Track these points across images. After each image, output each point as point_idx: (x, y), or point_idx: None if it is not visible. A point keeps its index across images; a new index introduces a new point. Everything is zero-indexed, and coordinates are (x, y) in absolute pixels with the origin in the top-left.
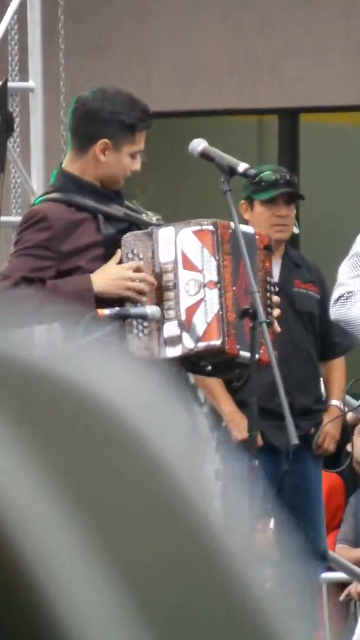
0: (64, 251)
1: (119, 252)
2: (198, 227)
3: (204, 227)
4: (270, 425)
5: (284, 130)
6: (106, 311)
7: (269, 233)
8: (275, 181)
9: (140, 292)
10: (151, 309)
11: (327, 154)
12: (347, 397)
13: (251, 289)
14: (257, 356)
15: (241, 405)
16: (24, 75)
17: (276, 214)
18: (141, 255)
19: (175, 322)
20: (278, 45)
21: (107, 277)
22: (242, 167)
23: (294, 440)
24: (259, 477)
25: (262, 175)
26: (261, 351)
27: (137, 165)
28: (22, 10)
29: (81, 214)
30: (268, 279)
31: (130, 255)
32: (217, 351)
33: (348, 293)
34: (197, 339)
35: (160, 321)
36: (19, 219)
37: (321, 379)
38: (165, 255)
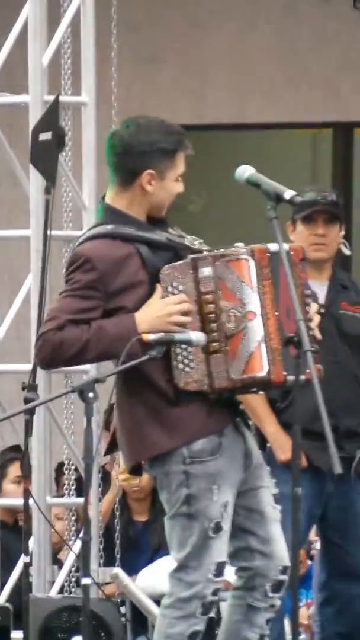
0: (110, 291)
1: (159, 288)
2: (233, 257)
3: (240, 257)
4: (314, 447)
5: (338, 144)
6: (151, 336)
7: (308, 253)
8: (315, 200)
9: (184, 325)
10: (196, 335)
11: None
12: None
13: (296, 317)
14: (302, 377)
15: (285, 426)
16: (77, 87)
17: (314, 233)
18: (181, 288)
19: (221, 354)
20: (333, 60)
21: (151, 315)
22: (288, 194)
23: (337, 469)
24: (304, 500)
25: (304, 195)
26: (307, 370)
27: (180, 187)
28: (75, 23)
29: (126, 248)
30: (305, 291)
31: (169, 289)
32: (262, 382)
33: None
34: (242, 371)
35: (205, 351)
36: (70, 233)
37: None
38: (205, 285)
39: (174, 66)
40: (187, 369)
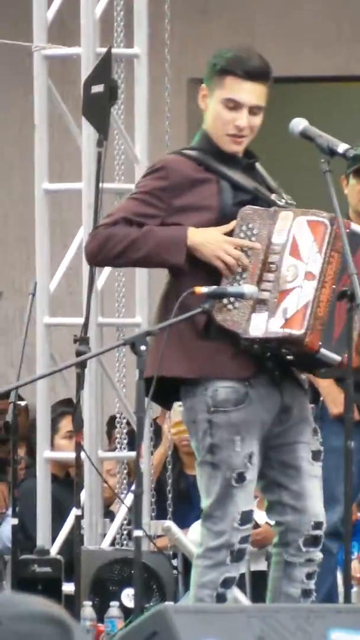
0: (174, 205)
1: (233, 223)
2: (314, 218)
3: (320, 218)
4: None
5: None
6: (204, 289)
7: (359, 206)
8: None
9: (231, 268)
10: (249, 288)
11: None
12: None
13: (349, 271)
14: (340, 358)
15: (338, 380)
16: (129, 41)
17: None
18: (255, 231)
19: (268, 305)
20: None
21: (205, 238)
22: (342, 147)
23: None
24: (356, 453)
25: (357, 148)
26: (346, 355)
27: (231, 116)
28: None
29: (207, 174)
30: None
31: (244, 228)
32: (297, 341)
33: None
34: (281, 325)
35: (256, 299)
36: (122, 186)
37: None
38: (278, 237)
39: (227, 18)
40: (229, 306)
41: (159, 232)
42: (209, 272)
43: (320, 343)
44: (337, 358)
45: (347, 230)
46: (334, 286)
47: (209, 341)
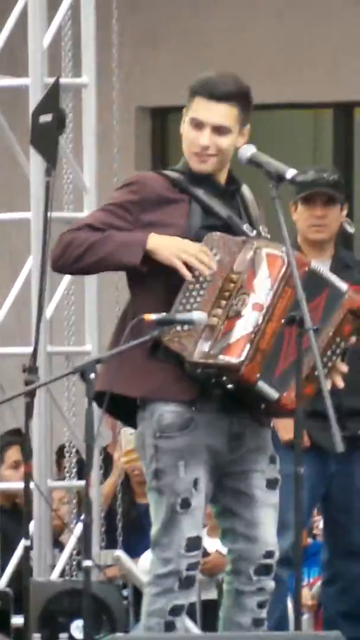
0: (142, 220)
1: (198, 245)
2: (273, 251)
3: (279, 252)
4: (317, 427)
5: (339, 125)
6: (153, 316)
7: (307, 234)
8: (314, 181)
9: (189, 268)
10: (198, 315)
11: None
12: None
13: (298, 297)
14: (281, 394)
15: None
16: (77, 70)
17: (313, 214)
18: (217, 257)
19: (214, 331)
20: (334, 40)
21: (165, 241)
22: (290, 173)
23: (339, 448)
24: (306, 479)
25: (305, 175)
26: (285, 395)
27: (194, 135)
28: (75, 4)
29: (179, 195)
30: (337, 340)
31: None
32: (233, 369)
33: None
34: (220, 351)
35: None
36: (71, 214)
37: None
38: (238, 266)
39: (174, 48)
40: (179, 327)
41: (119, 235)
42: (167, 292)
43: (258, 375)
44: (275, 395)
45: (306, 269)
46: (283, 321)
47: (156, 361)
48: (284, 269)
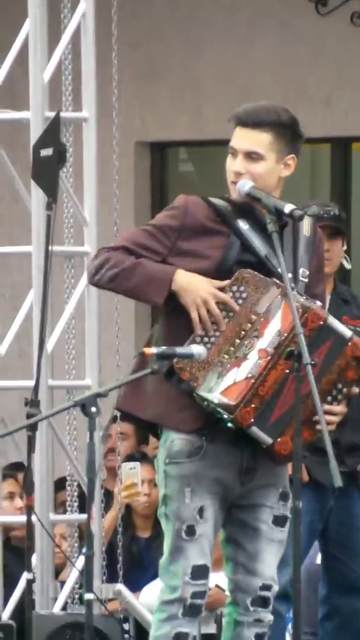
0: (179, 247)
1: (226, 282)
2: (293, 303)
3: (296, 304)
4: (316, 461)
5: (336, 160)
6: (153, 350)
7: None
8: (318, 215)
9: (205, 326)
10: (197, 349)
11: None
12: None
13: (296, 331)
14: (274, 440)
15: None
16: (77, 103)
17: None
18: (244, 295)
19: (221, 368)
20: (330, 76)
21: (192, 284)
22: (288, 207)
23: (338, 483)
24: (305, 514)
25: (307, 210)
26: (279, 440)
27: (230, 163)
28: (76, 39)
29: (220, 226)
30: (339, 386)
31: (234, 289)
32: (228, 411)
33: None
34: (221, 391)
35: (216, 358)
36: (72, 248)
37: None
38: (260, 308)
39: (173, 83)
40: (195, 357)
41: (149, 266)
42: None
43: (252, 420)
44: (268, 440)
45: (321, 323)
46: (287, 370)
47: (166, 386)
48: (296, 320)
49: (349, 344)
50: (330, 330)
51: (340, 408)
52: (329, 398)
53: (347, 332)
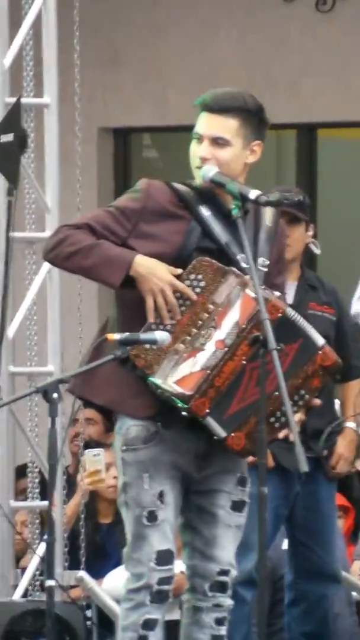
0: (139, 230)
1: (183, 271)
2: (250, 293)
3: (254, 296)
4: (281, 447)
5: (302, 146)
6: (116, 336)
7: None
8: (279, 201)
9: (160, 313)
10: (160, 335)
11: (346, 170)
12: None
13: (262, 317)
14: (228, 434)
15: None
16: (39, 90)
17: None
18: (202, 284)
19: (178, 357)
20: (296, 62)
21: (150, 270)
22: (253, 193)
23: (304, 468)
24: (270, 500)
25: (270, 196)
26: (233, 435)
27: (195, 148)
28: (37, 25)
29: (182, 211)
30: (302, 392)
31: (192, 277)
32: (182, 400)
33: None
34: (176, 380)
35: (171, 346)
36: (33, 234)
37: (337, 400)
38: (218, 297)
39: (137, 68)
40: (147, 345)
41: (109, 248)
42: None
43: (208, 411)
44: (222, 433)
45: (279, 315)
46: (244, 362)
47: (122, 372)
48: (254, 313)
49: (321, 352)
50: (299, 329)
51: (298, 416)
52: (293, 404)
53: (319, 339)
